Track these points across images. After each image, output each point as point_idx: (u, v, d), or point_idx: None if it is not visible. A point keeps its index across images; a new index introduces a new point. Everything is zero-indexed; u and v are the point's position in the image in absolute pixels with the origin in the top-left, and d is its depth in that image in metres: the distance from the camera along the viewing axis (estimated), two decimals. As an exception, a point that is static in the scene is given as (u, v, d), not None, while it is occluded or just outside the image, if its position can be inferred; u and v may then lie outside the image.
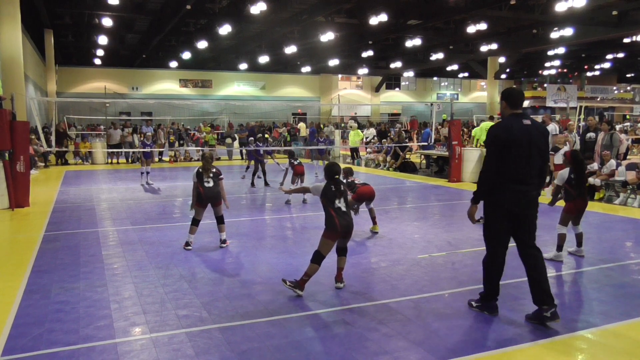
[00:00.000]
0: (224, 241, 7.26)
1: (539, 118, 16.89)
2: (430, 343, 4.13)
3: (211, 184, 7.06)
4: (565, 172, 6.44)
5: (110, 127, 22.51)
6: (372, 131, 23.30)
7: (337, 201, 5.25)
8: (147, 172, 14.26)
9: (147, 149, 14.49)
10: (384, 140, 19.67)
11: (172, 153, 21.91)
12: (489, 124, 16.22)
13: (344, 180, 7.97)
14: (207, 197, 7.05)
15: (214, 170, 7.15)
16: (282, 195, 11.62)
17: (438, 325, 4.46)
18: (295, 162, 11.40)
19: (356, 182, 8.01)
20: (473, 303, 4.83)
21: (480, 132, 16.01)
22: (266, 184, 13.77)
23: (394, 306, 4.96)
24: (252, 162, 15.74)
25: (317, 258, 5.22)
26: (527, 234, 4.54)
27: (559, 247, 6.40)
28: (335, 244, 5.31)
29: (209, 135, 23.96)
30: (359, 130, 21.07)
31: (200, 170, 7.09)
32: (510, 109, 4.55)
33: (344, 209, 5.26)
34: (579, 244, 6.62)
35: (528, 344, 4.12)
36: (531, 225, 4.54)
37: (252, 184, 13.85)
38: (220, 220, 7.26)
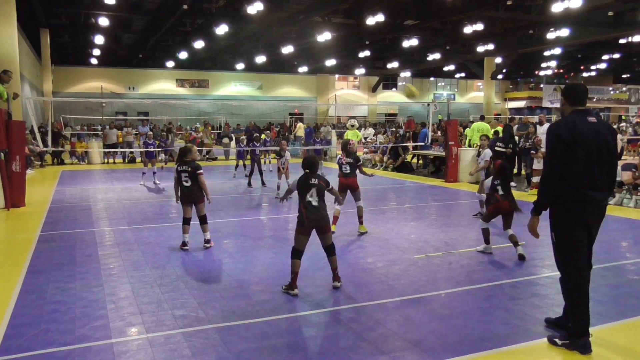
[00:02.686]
0: (207, 241, 7.18)
1: (534, 119, 16.91)
2: (427, 343, 4.13)
3: (189, 183, 6.92)
4: (489, 182, 7.05)
5: (106, 127, 22.49)
6: (370, 131, 23.29)
7: (307, 195, 5.29)
8: (154, 173, 14.20)
9: (151, 149, 14.44)
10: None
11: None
12: (481, 124, 16.26)
13: (341, 157, 8.08)
14: (186, 196, 6.98)
15: (189, 168, 6.89)
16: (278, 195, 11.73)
17: (435, 326, 4.47)
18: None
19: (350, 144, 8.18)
20: (558, 341, 4.05)
21: (472, 132, 16.00)
22: (263, 183, 13.79)
23: (391, 306, 4.97)
24: (241, 162, 15.92)
25: (294, 253, 5.33)
26: (590, 251, 4.04)
27: (486, 241, 6.93)
28: (308, 237, 5.35)
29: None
30: (357, 131, 21.08)
31: (179, 168, 6.97)
32: (571, 106, 4.00)
33: (314, 203, 5.28)
34: (515, 244, 6.83)
35: (525, 343, 4.12)
36: (594, 240, 4.05)
37: (249, 184, 13.86)
38: (202, 220, 7.13)
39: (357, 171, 8.02)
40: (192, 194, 6.96)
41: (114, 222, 9.12)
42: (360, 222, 8.11)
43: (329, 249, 5.43)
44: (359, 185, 8.06)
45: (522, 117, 25.48)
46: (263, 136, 15.94)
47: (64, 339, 4.20)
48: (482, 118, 17.38)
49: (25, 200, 10.64)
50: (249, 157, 14.81)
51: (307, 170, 5.39)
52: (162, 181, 14.56)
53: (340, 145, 10.27)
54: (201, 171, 7.00)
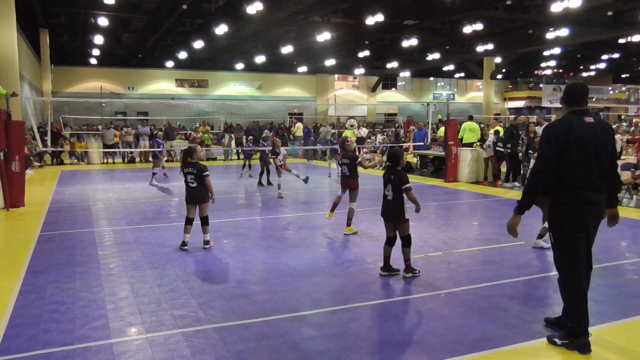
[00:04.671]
0: (207, 242, 7.17)
1: (533, 119, 16.91)
2: (427, 343, 4.13)
3: (195, 184, 6.93)
4: None
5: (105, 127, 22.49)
6: (364, 130, 23.27)
7: (385, 188, 5.78)
8: (154, 173, 14.13)
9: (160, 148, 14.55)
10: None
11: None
12: (471, 124, 16.28)
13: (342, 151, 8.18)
14: (191, 197, 7.00)
15: (195, 170, 6.90)
16: (279, 195, 11.75)
17: (434, 325, 4.47)
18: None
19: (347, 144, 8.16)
20: (557, 341, 4.04)
21: (462, 132, 16.00)
22: (269, 183, 13.84)
23: (390, 306, 4.97)
24: (248, 162, 16.05)
25: (386, 239, 5.89)
26: (589, 252, 4.02)
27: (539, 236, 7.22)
28: (390, 224, 5.83)
29: (205, 135, 23.92)
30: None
31: (184, 170, 6.99)
32: (568, 106, 3.97)
33: (389, 197, 5.72)
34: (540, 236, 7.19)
35: (524, 343, 4.12)
36: (592, 241, 4.03)
37: (260, 183, 13.95)
38: (204, 221, 7.11)
39: (358, 168, 7.97)
40: (197, 195, 6.98)
41: (114, 222, 9.12)
42: (348, 224, 8.00)
43: (402, 240, 5.75)
44: (359, 186, 8.03)
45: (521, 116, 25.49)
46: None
47: (64, 339, 4.20)
48: (470, 118, 17.41)
49: (24, 201, 10.63)
50: (254, 157, 14.98)
51: (389, 163, 5.83)
52: (160, 181, 14.56)
53: (339, 143, 10.38)
54: (207, 172, 6.97)
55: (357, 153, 8.60)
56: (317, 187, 13.88)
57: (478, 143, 15.58)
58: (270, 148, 13.77)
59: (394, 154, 5.87)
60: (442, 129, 17.63)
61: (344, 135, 20.27)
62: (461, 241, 7.61)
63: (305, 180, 11.74)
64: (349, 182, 7.92)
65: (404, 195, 5.66)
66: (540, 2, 21.54)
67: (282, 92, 43.45)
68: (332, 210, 8.20)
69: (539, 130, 13.48)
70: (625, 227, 8.68)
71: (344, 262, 6.48)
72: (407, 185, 5.64)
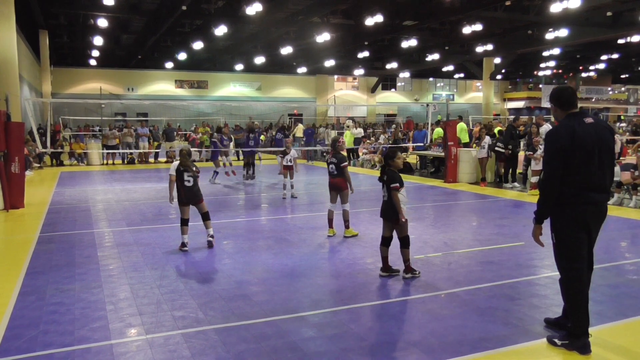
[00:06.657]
0: (211, 236, 7.24)
1: (533, 120, 16.91)
2: (427, 343, 4.13)
3: (191, 183, 6.98)
4: None
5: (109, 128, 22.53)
6: (359, 130, 23.27)
7: (383, 189, 5.76)
8: (216, 172, 14.67)
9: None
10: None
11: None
12: (460, 124, 16.34)
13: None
14: (187, 196, 7.02)
15: (194, 168, 7.08)
16: (279, 196, 11.74)
17: (434, 326, 4.46)
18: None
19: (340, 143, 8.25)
20: (557, 341, 4.03)
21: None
22: (252, 177, 14.07)
23: (390, 307, 4.96)
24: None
25: (381, 240, 5.88)
26: (591, 252, 4.02)
27: None
28: (387, 224, 5.80)
29: (204, 136, 23.90)
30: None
31: (182, 168, 7.01)
32: (563, 110, 4.00)
33: (386, 198, 5.71)
34: None
35: (524, 344, 4.12)
36: (594, 242, 4.03)
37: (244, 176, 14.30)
38: (205, 216, 7.18)
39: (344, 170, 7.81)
40: (193, 194, 7.01)
41: (113, 223, 9.12)
42: (347, 227, 7.89)
43: (400, 241, 5.74)
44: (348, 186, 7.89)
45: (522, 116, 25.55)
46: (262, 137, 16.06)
47: (63, 340, 4.20)
48: (460, 118, 17.52)
49: (24, 202, 10.63)
50: (258, 157, 15.23)
51: (383, 163, 5.88)
52: (160, 182, 14.57)
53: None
54: (199, 174, 7.19)
55: (346, 156, 8.63)
56: (317, 188, 13.87)
57: (475, 142, 15.60)
58: (253, 142, 14.23)
59: (387, 154, 5.90)
60: (438, 129, 17.70)
61: (345, 136, 20.34)
62: (461, 242, 7.61)
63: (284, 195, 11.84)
64: (337, 180, 7.77)
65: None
66: (540, 3, 21.55)
67: (282, 92, 43.42)
68: (331, 226, 7.97)
69: (540, 130, 13.49)
70: (624, 227, 8.69)
71: (344, 262, 6.47)
72: (395, 184, 5.54)
